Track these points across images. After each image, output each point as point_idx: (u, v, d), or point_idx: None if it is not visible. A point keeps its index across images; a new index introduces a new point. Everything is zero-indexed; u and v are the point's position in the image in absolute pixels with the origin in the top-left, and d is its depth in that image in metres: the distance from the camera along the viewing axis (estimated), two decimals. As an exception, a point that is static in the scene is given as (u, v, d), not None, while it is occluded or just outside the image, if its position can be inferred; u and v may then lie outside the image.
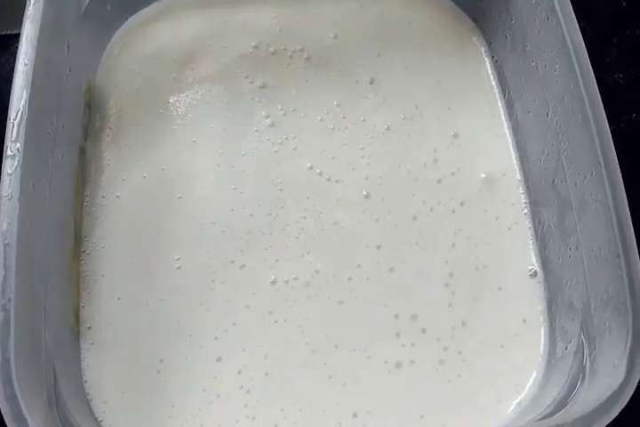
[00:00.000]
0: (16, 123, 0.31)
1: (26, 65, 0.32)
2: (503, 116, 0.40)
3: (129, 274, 0.37)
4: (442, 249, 0.37)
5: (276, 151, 0.40)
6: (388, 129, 0.40)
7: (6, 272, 0.28)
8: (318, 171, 0.39)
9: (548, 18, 0.34)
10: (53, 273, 0.33)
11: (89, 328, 0.36)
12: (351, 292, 0.37)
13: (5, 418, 0.27)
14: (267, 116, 0.40)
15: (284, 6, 0.43)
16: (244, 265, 0.37)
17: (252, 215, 0.38)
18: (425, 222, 0.38)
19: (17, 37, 0.45)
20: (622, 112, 0.45)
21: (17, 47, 0.34)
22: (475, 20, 0.42)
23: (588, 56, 0.32)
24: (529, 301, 0.36)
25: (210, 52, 0.42)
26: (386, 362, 0.35)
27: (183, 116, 0.41)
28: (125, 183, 0.39)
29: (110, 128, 0.40)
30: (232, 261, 0.37)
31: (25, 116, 0.31)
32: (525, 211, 0.38)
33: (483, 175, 0.39)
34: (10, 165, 0.30)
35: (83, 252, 0.37)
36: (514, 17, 0.37)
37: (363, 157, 0.39)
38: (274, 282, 0.37)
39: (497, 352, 0.35)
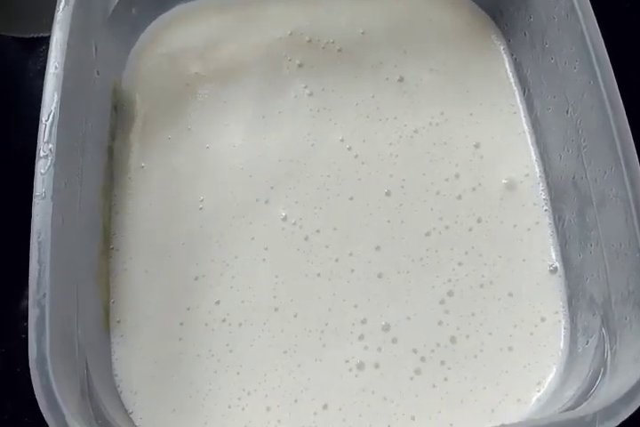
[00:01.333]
0: (48, 124, 0.32)
1: (56, 68, 0.33)
2: (523, 114, 0.40)
3: (154, 240, 0.38)
4: (446, 268, 0.37)
5: (312, 116, 0.41)
6: (416, 132, 0.40)
7: (40, 267, 0.29)
8: (348, 146, 0.40)
9: (567, 15, 0.34)
10: (84, 270, 0.34)
11: (118, 322, 0.37)
12: (331, 271, 0.37)
13: (42, 409, 0.28)
14: (305, 87, 0.41)
15: (310, 4, 0.44)
16: (267, 201, 0.39)
17: (280, 161, 0.40)
18: (437, 240, 0.37)
19: (42, 40, 0.47)
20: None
21: (43, 50, 0.35)
22: (493, 17, 0.42)
23: (607, 53, 0.33)
24: (549, 297, 0.36)
25: (243, 36, 0.43)
26: (346, 361, 0.35)
27: (214, 85, 0.42)
28: (150, 150, 0.40)
29: (135, 126, 0.41)
30: (257, 200, 0.39)
31: (56, 118, 0.32)
32: (546, 208, 0.38)
33: (504, 181, 0.39)
34: (43, 165, 0.31)
35: (112, 249, 0.38)
36: (532, 14, 0.38)
37: (391, 154, 0.40)
38: (284, 219, 0.38)
39: (503, 356, 0.35)
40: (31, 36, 0.48)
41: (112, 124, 0.40)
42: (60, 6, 0.34)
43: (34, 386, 0.28)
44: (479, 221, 0.38)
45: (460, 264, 0.37)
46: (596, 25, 0.33)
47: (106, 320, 0.36)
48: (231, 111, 0.41)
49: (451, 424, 0.34)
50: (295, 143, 0.40)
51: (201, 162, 0.40)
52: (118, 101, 0.41)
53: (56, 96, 0.32)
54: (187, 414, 0.35)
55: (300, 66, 0.42)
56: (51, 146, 0.31)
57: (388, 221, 0.38)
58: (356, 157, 0.40)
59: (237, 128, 0.41)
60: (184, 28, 0.43)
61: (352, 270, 0.37)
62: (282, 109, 0.41)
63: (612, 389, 0.30)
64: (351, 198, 0.39)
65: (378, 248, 0.37)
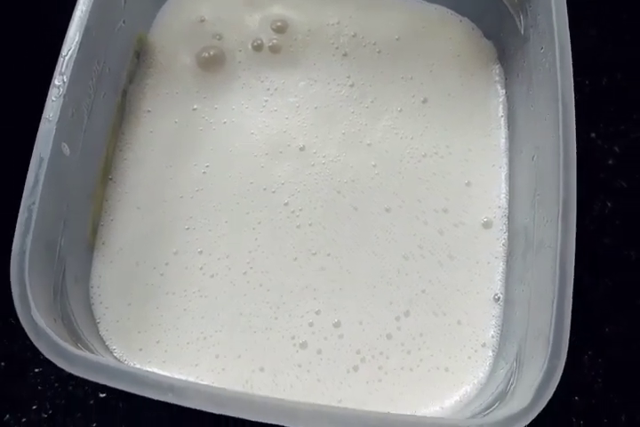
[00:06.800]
0: (66, 58, 0.35)
1: (82, 12, 0.36)
2: (503, 149, 0.42)
3: (152, 183, 0.42)
4: (410, 291, 0.40)
5: (352, 112, 0.43)
6: (424, 156, 0.42)
7: (35, 180, 0.33)
8: (372, 152, 0.42)
9: (550, 68, 0.36)
10: (81, 192, 0.38)
11: (103, 243, 0.41)
12: (306, 261, 0.40)
13: (14, 297, 0.32)
14: (348, 77, 0.44)
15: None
16: (274, 191, 0.42)
17: (301, 150, 0.43)
18: (410, 265, 0.40)
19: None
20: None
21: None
22: (498, 52, 0.44)
23: (574, 113, 0.34)
24: (490, 324, 0.39)
25: (289, 17, 0.45)
26: (292, 337, 0.39)
27: (248, 66, 0.44)
28: (161, 120, 0.43)
29: (153, 75, 0.44)
30: (262, 167, 0.42)
31: (74, 55, 0.35)
32: (505, 244, 0.41)
33: (483, 220, 0.41)
34: (55, 93, 0.35)
35: (110, 179, 0.42)
36: (526, 59, 0.39)
37: (400, 172, 0.42)
38: (286, 204, 0.41)
39: (439, 374, 0.38)
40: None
41: (131, 70, 0.43)
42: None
43: (11, 279, 0.32)
44: (450, 257, 0.41)
45: (423, 291, 0.40)
46: (571, 83, 0.35)
47: (93, 238, 0.40)
48: (253, 87, 0.44)
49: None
50: (316, 121, 0.43)
51: (207, 122, 0.43)
52: (141, 50, 0.44)
53: (77, 36, 0.35)
54: (150, 338, 0.39)
55: (344, 55, 0.44)
56: (64, 78, 0.35)
57: (376, 237, 0.41)
58: (375, 166, 0.42)
59: (255, 103, 0.43)
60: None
61: (322, 268, 0.40)
62: (322, 95, 0.44)
63: (508, 409, 0.32)
64: (355, 208, 0.41)
65: (356, 258, 0.40)
